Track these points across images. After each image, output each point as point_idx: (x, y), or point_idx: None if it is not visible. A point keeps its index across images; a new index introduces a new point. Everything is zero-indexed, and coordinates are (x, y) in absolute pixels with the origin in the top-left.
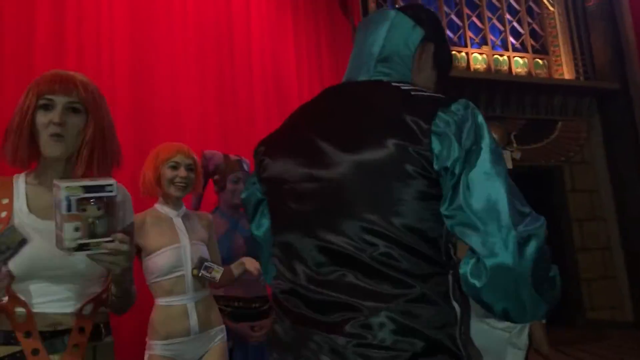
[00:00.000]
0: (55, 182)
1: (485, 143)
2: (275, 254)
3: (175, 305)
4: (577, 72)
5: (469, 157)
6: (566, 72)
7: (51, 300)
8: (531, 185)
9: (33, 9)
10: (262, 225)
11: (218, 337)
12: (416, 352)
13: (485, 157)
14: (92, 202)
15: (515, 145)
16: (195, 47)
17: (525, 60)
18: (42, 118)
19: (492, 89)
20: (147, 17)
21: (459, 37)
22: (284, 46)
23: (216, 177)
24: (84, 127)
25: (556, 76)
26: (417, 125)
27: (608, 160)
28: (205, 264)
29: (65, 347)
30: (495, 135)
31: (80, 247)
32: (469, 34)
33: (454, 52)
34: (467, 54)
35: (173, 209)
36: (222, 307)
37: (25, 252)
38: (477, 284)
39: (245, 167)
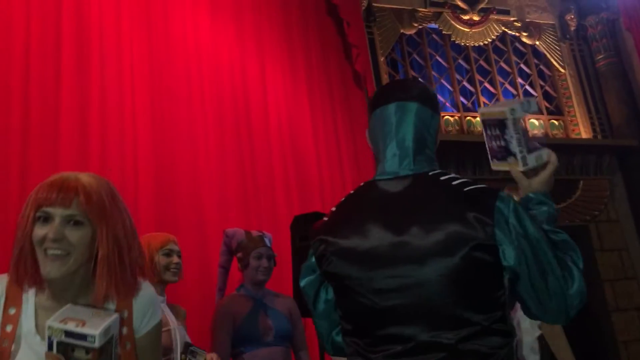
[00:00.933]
0: (51, 319)
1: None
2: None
3: None
4: (594, 130)
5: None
6: (583, 132)
7: None
8: None
9: (59, 62)
10: (320, 305)
11: None
12: None
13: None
14: (74, 348)
15: None
16: (213, 123)
17: (541, 122)
18: (38, 231)
19: None
20: (167, 101)
21: (473, 103)
22: (300, 118)
23: (239, 254)
24: (91, 241)
25: (573, 136)
26: (477, 217)
27: (635, 216)
28: (191, 348)
29: None
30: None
31: None
32: (483, 99)
33: (468, 118)
34: None
35: (161, 295)
36: None
37: None
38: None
39: (267, 242)
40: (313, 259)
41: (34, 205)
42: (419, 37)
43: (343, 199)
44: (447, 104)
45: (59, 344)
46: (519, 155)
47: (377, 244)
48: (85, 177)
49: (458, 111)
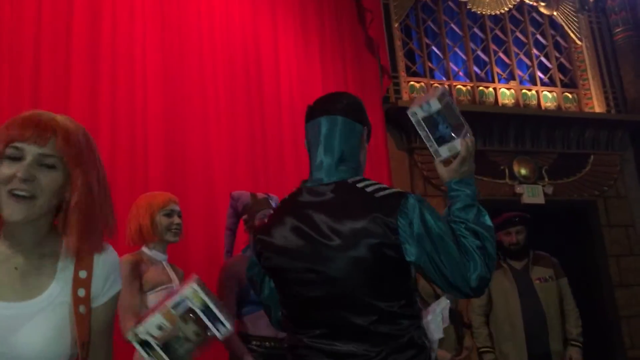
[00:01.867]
0: (194, 275)
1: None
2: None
3: None
4: (607, 105)
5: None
6: (596, 106)
7: None
8: (565, 220)
9: (69, 52)
10: (265, 291)
11: None
12: None
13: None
14: (194, 320)
15: (546, 179)
16: (225, 89)
17: (554, 94)
18: (5, 170)
19: (522, 124)
20: (179, 62)
21: (486, 73)
22: (312, 83)
23: (245, 216)
24: (63, 186)
25: (586, 110)
26: (384, 220)
27: None
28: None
29: None
30: (524, 170)
31: (143, 344)
32: (496, 69)
33: (481, 88)
34: (494, 89)
35: (163, 254)
36: (253, 347)
37: None
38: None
39: (273, 204)
40: (255, 256)
41: (4, 139)
42: (434, 4)
43: (279, 203)
44: (460, 73)
45: (189, 310)
46: (431, 150)
47: (301, 242)
48: (62, 118)
49: (471, 81)
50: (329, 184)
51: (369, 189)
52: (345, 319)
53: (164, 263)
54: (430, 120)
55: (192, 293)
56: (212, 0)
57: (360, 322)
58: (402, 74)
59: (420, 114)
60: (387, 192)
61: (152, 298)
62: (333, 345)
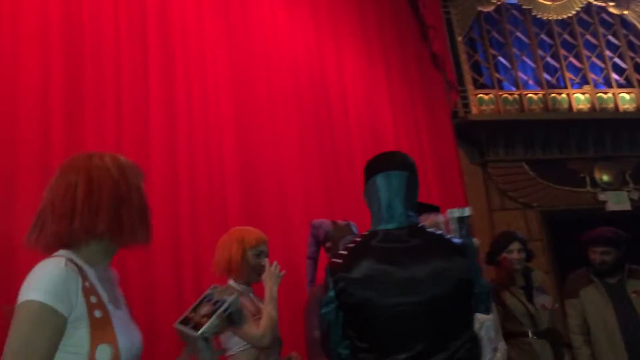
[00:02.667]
0: (213, 285)
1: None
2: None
3: None
4: None
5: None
6: None
7: None
8: None
9: (146, 69)
10: (337, 327)
11: None
12: None
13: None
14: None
15: (631, 185)
16: (294, 114)
17: (633, 95)
18: None
19: (600, 128)
20: (248, 91)
21: (558, 79)
22: (378, 103)
23: (328, 244)
24: None
25: None
26: (459, 259)
27: None
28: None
29: None
30: (607, 177)
31: (204, 339)
32: (568, 74)
33: (553, 95)
34: (568, 95)
35: (248, 287)
36: None
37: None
38: None
39: (354, 230)
40: (333, 293)
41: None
42: (497, 14)
43: (351, 244)
44: (530, 82)
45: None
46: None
47: (387, 279)
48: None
49: (542, 88)
50: (402, 227)
51: (436, 233)
52: (429, 345)
53: (251, 295)
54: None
55: (234, 299)
56: (277, 28)
57: (444, 347)
58: (470, 87)
59: (456, 214)
60: (450, 237)
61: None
62: None
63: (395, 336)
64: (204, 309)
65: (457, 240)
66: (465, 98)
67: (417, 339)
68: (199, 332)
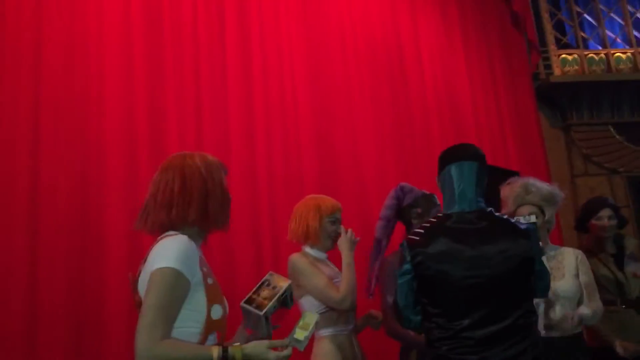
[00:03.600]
0: (270, 272)
1: None
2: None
3: (342, 335)
4: None
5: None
6: None
7: None
8: None
9: (224, 64)
10: (408, 299)
11: None
12: None
13: None
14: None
15: None
16: (369, 82)
17: None
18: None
19: None
20: (323, 49)
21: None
22: (455, 65)
23: (418, 209)
24: None
25: None
26: (523, 241)
27: None
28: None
29: None
30: None
31: (265, 317)
32: None
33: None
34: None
35: (324, 252)
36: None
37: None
38: None
39: (437, 201)
40: (409, 265)
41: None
42: None
43: (426, 224)
44: (618, 40)
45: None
46: None
47: (459, 255)
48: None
49: (631, 47)
50: (472, 211)
51: (503, 217)
52: (491, 313)
53: (327, 261)
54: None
55: (289, 286)
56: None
57: (512, 315)
58: (552, 47)
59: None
60: (514, 220)
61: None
62: (482, 331)
63: (463, 304)
64: (264, 293)
65: (521, 225)
66: (547, 59)
67: (480, 308)
68: (263, 312)
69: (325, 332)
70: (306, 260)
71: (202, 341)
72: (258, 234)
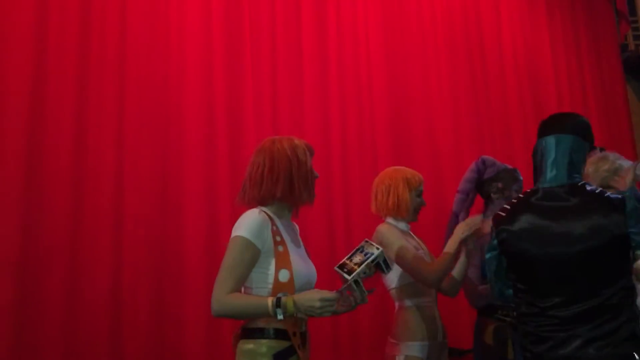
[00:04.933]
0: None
1: None
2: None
3: (426, 306)
4: None
5: None
6: None
7: None
8: None
9: (300, 42)
10: (498, 272)
11: (446, 350)
12: None
13: None
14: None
15: None
16: (445, 51)
17: None
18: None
19: None
20: (399, 28)
21: None
22: (537, 35)
23: (499, 184)
24: None
25: None
26: (615, 216)
27: None
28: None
29: (305, 344)
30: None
31: (355, 281)
32: None
33: None
34: None
35: (407, 225)
36: (501, 316)
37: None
38: None
39: (519, 176)
40: (496, 242)
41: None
42: None
43: (514, 200)
44: None
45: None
46: None
47: (544, 232)
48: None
49: None
50: (563, 185)
51: (596, 191)
52: (591, 292)
53: (411, 233)
54: None
55: (380, 252)
56: None
57: (603, 293)
58: None
59: None
60: (609, 194)
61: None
62: (567, 310)
63: (547, 282)
64: (357, 258)
65: (614, 196)
66: (637, 29)
67: (566, 286)
68: (351, 276)
69: (409, 302)
70: (396, 231)
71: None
72: (331, 207)
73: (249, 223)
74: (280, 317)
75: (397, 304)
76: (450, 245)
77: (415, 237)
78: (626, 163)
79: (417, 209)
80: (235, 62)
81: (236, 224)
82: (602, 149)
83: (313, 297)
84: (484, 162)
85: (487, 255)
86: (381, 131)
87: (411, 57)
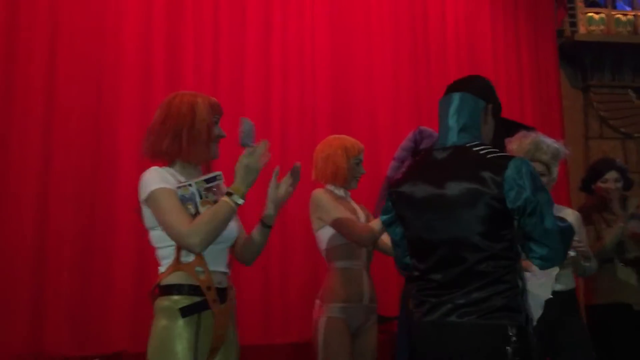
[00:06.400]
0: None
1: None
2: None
3: (355, 269)
4: None
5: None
6: None
7: (217, 262)
8: None
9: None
10: (396, 234)
11: (374, 315)
12: None
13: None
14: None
15: None
16: (389, 30)
17: None
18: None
19: None
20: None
21: None
22: (478, 16)
23: None
24: None
25: None
26: (492, 178)
27: None
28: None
29: (225, 300)
30: None
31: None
32: None
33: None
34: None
35: (347, 192)
36: None
37: None
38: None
39: None
40: (390, 203)
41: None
42: None
43: (412, 163)
44: (620, 1)
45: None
46: None
47: (424, 194)
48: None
49: (632, 9)
50: (449, 147)
51: (482, 152)
52: (456, 256)
53: (349, 199)
54: None
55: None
56: None
57: (469, 259)
58: (580, 4)
59: None
60: (498, 154)
61: None
62: (440, 275)
63: (424, 245)
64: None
65: (499, 159)
66: (573, 16)
67: (437, 250)
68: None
69: (337, 264)
70: (329, 195)
71: (177, 255)
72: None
73: (153, 177)
74: (240, 201)
75: (328, 266)
76: (376, 223)
77: (354, 202)
78: (549, 140)
79: (357, 177)
80: (176, 30)
81: (141, 187)
82: (532, 129)
83: (240, 167)
84: (421, 132)
85: (382, 218)
86: (321, 101)
87: (355, 29)
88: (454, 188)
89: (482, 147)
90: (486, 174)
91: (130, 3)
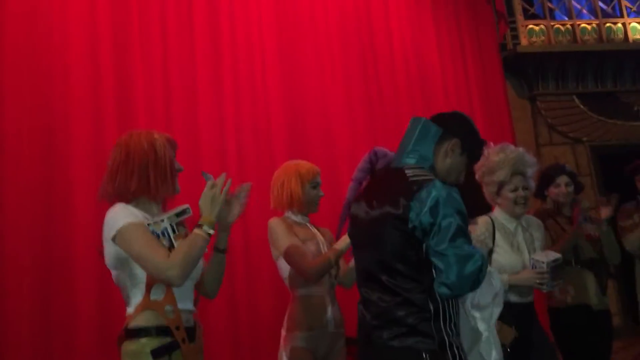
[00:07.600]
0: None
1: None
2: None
3: (316, 296)
4: None
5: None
6: None
7: (185, 300)
8: None
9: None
10: None
11: (342, 340)
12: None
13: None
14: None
15: None
16: (339, 53)
17: None
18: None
19: None
20: (292, 27)
21: (613, 8)
22: (425, 37)
23: None
24: None
25: None
26: (403, 200)
27: None
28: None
29: (194, 339)
30: None
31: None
32: (625, 2)
33: (608, 25)
34: (624, 24)
35: (306, 217)
36: None
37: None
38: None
39: None
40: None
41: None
42: None
43: (367, 183)
44: (584, 11)
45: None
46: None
47: (362, 216)
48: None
49: (596, 18)
50: (392, 168)
51: (408, 174)
52: (377, 276)
53: (308, 224)
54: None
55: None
56: None
57: (385, 279)
58: (520, 17)
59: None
60: (418, 178)
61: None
62: (370, 294)
63: (358, 264)
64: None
65: (416, 183)
66: (514, 29)
67: (364, 269)
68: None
69: (299, 292)
70: (283, 224)
71: (147, 293)
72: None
73: (122, 213)
74: (211, 231)
75: (290, 294)
76: (340, 243)
77: (313, 227)
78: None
79: (315, 201)
80: (124, 59)
81: (108, 223)
82: (484, 142)
83: (205, 199)
84: (375, 153)
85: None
86: (276, 126)
87: (305, 55)
88: (376, 209)
89: (416, 171)
90: (400, 197)
91: (75, 37)
